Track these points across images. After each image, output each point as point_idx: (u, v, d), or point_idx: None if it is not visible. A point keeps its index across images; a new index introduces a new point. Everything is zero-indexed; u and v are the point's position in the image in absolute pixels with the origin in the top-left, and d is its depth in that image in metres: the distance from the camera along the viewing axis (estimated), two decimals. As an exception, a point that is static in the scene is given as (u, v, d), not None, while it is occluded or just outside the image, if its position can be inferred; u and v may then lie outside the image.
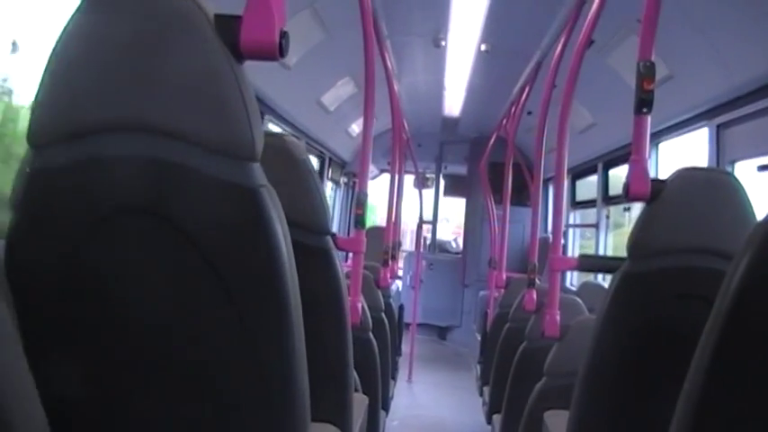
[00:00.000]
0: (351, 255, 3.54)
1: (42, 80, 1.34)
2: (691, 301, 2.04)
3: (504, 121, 7.30)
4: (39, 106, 1.34)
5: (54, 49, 1.34)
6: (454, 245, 11.71)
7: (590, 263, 3.73)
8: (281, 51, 1.38)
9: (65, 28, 1.34)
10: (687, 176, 2.15)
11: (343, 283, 2.26)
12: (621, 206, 6.45)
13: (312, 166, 2.22)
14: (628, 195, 2.22)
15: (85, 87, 1.32)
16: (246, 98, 1.33)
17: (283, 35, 1.37)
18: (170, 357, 1.39)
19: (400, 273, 9.30)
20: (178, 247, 1.33)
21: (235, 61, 1.33)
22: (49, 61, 1.34)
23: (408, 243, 13.14)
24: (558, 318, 3.37)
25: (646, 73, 2.35)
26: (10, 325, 0.63)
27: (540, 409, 3.07)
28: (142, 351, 1.39)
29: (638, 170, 2.27)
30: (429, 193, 10.86)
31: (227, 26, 1.33)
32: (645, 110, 2.38)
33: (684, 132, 4.57)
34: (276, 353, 1.38)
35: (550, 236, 8.09)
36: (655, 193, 2.14)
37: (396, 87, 5.19)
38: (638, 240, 2.14)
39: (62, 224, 1.35)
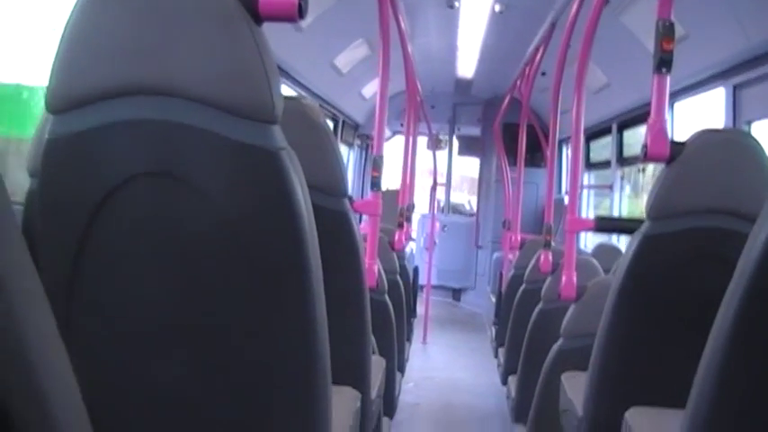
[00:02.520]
0: (366, 217, 3.53)
1: (59, 47, 1.33)
2: (710, 263, 2.04)
3: (518, 82, 7.26)
4: (56, 73, 1.33)
5: (70, 17, 1.33)
6: (468, 206, 11.69)
7: (607, 224, 3.72)
8: (301, 13, 1.37)
9: None
10: (706, 138, 2.14)
11: (361, 247, 2.26)
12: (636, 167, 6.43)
13: (329, 129, 2.21)
14: (646, 157, 2.21)
15: (102, 53, 1.32)
16: (266, 60, 1.32)
17: None
18: (187, 322, 1.40)
19: (414, 235, 9.30)
20: (197, 210, 1.33)
21: (253, 23, 1.33)
22: (65, 28, 1.33)
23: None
24: (574, 279, 3.36)
25: (665, 32, 2.32)
26: (43, 300, 0.63)
27: (556, 370, 3.07)
28: (159, 315, 1.40)
29: (658, 131, 2.25)
30: (442, 155, 10.83)
31: None
32: (664, 69, 2.35)
33: (701, 92, 4.54)
34: (297, 317, 1.39)
35: (565, 197, 8.12)
36: (674, 155, 2.13)
37: (409, 49, 5.16)
38: (657, 202, 2.13)
39: (80, 188, 1.35)
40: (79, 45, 1.33)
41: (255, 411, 1.41)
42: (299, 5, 1.35)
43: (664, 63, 2.34)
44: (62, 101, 1.33)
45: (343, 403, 2.14)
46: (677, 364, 2.02)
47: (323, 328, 1.43)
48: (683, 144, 2.14)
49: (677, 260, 2.10)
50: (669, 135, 2.27)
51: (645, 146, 2.21)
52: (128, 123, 1.32)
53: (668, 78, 2.38)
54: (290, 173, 1.33)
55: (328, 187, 2.13)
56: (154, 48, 1.30)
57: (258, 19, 1.33)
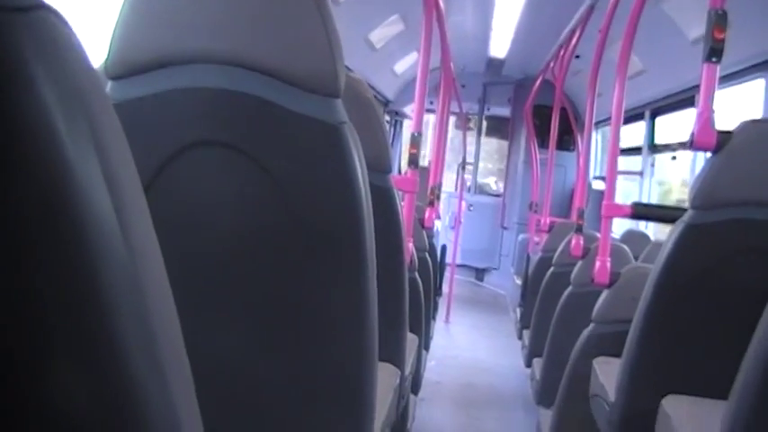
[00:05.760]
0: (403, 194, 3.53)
1: (120, 14, 1.34)
2: (755, 255, 2.04)
3: (552, 64, 7.21)
4: (117, 39, 1.34)
5: None
6: (494, 187, 11.66)
7: (645, 211, 3.69)
8: None
9: None
10: (753, 128, 2.13)
11: (403, 224, 2.27)
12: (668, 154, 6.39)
13: (377, 105, 2.21)
14: (692, 145, 2.20)
15: (164, 20, 1.32)
16: (330, 33, 1.32)
17: None
18: (243, 293, 1.41)
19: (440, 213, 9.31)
20: (255, 181, 1.33)
21: None
22: None
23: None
24: (608, 265, 3.35)
25: (717, 21, 2.31)
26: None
27: (587, 354, 3.08)
28: (218, 284, 1.41)
29: (705, 121, 2.24)
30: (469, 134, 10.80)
31: None
32: (714, 59, 2.34)
33: (740, 83, 4.50)
34: (351, 292, 1.40)
35: (592, 182, 8.08)
36: (720, 145, 2.12)
37: (446, 27, 5.14)
38: (701, 191, 2.12)
39: (141, 155, 1.35)
40: (140, 12, 1.33)
41: (306, 385, 1.42)
42: None
43: (714, 52, 2.34)
44: (121, 67, 1.34)
45: (384, 380, 2.15)
46: (715, 355, 2.02)
47: (374, 305, 1.44)
48: (729, 134, 2.13)
49: (720, 251, 2.10)
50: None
51: (692, 134, 2.20)
52: (187, 91, 1.33)
53: (718, 68, 2.37)
54: (351, 148, 1.34)
55: (375, 163, 2.12)
56: (216, 17, 1.31)
57: None
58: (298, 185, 1.33)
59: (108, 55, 1.35)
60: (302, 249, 1.35)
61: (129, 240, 0.55)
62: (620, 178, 7.48)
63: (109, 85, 1.35)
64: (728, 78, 4.49)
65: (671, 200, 6.67)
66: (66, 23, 0.53)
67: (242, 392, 1.44)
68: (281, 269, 1.38)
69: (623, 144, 7.39)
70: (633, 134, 6.94)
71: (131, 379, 0.55)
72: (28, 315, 0.49)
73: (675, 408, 2.11)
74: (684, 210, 2.23)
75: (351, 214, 1.35)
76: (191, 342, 1.43)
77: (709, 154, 2.21)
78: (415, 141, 3.46)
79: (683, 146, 5.37)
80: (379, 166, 2.16)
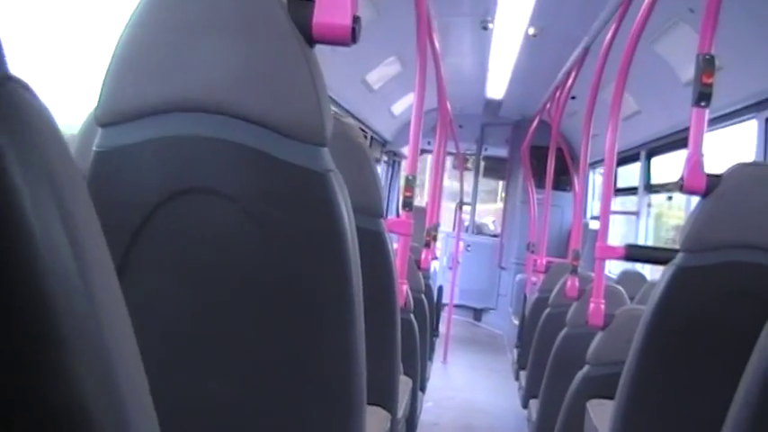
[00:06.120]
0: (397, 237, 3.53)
1: (111, 62, 1.35)
2: (745, 299, 2.04)
3: (548, 105, 7.26)
4: (107, 86, 1.35)
5: (123, 31, 1.35)
6: (492, 227, 11.67)
7: (638, 253, 3.69)
8: (354, 37, 1.38)
9: (134, 10, 1.35)
10: (743, 171, 2.14)
11: (395, 268, 2.27)
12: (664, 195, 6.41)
13: (368, 149, 2.23)
14: (682, 189, 2.22)
15: (155, 68, 1.33)
16: (317, 82, 1.33)
17: (356, 20, 1.37)
18: (229, 338, 1.41)
19: (437, 253, 9.31)
20: (242, 229, 1.34)
21: (306, 45, 1.34)
22: (118, 43, 1.35)
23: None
24: (602, 306, 3.36)
25: (705, 66, 2.34)
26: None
27: (582, 396, 3.07)
28: (200, 331, 1.41)
29: (694, 164, 2.26)
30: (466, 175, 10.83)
31: (300, 9, 1.34)
32: (703, 103, 2.37)
33: (732, 124, 4.52)
34: (338, 337, 1.40)
35: (589, 222, 8.09)
36: (710, 188, 2.13)
37: (442, 69, 5.18)
38: (692, 234, 2.13)
39: (126, 202, 1.36)
40: (130, 60, 1.34)
41: (292, 429, 1.42)
42: (353, 30, 1.37)
43: (703, 97, 2.36)
44: (111, 114, 1.35)
45: (374, 424, 2.15)
46: (708, 399, 2.01)
47: (361, 349, 1.44)
48: (719, 177, 2.14)
49: (711, 294, 2.10)
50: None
51: (681, 178, 2.22)
52: (176, 138, 1.34)
53: (706, 112, 2.39)
54: (337, 195, 1.34)
55: (366, 207, 2.14)
56: (205, 66, 1.32)
57: (311, 42, 1.35)
58: (284, 233, 1.34)
59: (98, 102, 1.36)
60: (289, 296, 1.36)
61: (97, 312, 0.56)
62: (621, 216, 7.53)
63: (99, 133, 1.36)
64: (721, 119, 4.52)
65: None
66: (34, 96, 0.54)
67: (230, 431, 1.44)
68: (267, 316, 1.38)
69: (622, 183, 7.44)
70: (633, 174, 6.97)
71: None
72: None
73: None
74: (676, 251, 2.24)
75: (337, 261, 1.36)
76: (182, 382, 1.44)
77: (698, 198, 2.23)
78: (410, 184, 3.47)
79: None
80: (370, 210, 2.16)
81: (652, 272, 5.67)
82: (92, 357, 0.55)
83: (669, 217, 6.77)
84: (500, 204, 11.33)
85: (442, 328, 7.52)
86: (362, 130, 7.85)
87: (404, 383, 2.69)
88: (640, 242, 6.54)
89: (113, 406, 0.57)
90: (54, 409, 0.53)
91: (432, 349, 5.75)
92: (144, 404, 0.65)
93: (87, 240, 0.57)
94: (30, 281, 0.51)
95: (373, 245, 2.17)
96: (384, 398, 2.29)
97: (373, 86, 6.83)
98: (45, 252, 0.51)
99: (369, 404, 1.57)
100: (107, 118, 1.35)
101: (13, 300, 0.50)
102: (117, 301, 0.63)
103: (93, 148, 1.35)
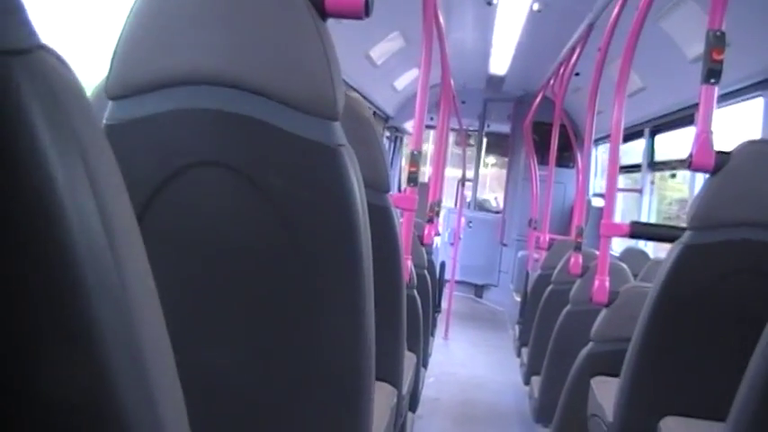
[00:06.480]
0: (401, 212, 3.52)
1: (122, 34, 1.34)
2: (753, 276, 2.04)
3: (551, 81, 7.23)
4: (117, 59, 1.34)
5: (134, 4, 1.34)
6: (494, 203, 11.66)
7: (643, 230, 3.68)
8: (367, 10, 1.37)
9: None
10: (752, 149, 2.13)
11: (401, 243, 2.26)
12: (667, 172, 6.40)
13: (375, 124, 2.21)
14: (691, 166, 2.21)
15: (165, 41, 1.33)
16: (330, 57, 1.32)
17: None
18: (239, 311, 1.40)
19: (439, 229, 9.32)
20: (252, 202, 1.34)
21: (319, 18, 1.33)
22: (128, 16, 1.34)
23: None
24: (607, 284, 3.35)
25: (715, 43, 2.32)
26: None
27: (585, 373, 3.07)
28: (216, 301, 1.41)
29: (703, 141, 2.25)
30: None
31: None
32: (713, 80, 2.35)
33: (739, 101, 4.50)
34: (348, 311, 1.39)
35: (591, 199, 8.08)
36: (719, 166, 2.12)
37: (445, 44, 5.15)
38: (700, 212, 2.12)
39: (136, 175, 1.36)
40: (141, 33, 1.34)
41: (302, 403, 1.42)
42: (366, 3, 1.36)
43: (713, 73, 2.34)
44: (122, 87, 1.34)
45: (381, 399, 2.15)
46: (713, 376, 2.02)
47: (371, 325, 1.44)
48: (728, 154, 2.13)
49: (718, 271, 2.10)
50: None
51: (690, 155, 2.20)
52: (186, 112, 1.33)
53: (716, 89, 2.38)
54: (349, 170, 1.34)
55: (373, 182, 2.12)
56: (217, 39, 1.31)
57: (324, 15, 1.34)
58: (295, 206, 1.34)
59: (108, 75, 1.35)
60: (300, 268, 1.35)
61: (123, 274, 0.56)
62: (621, 193, 7.52)
63: (109, 106, 1.36)
64: (728, 97, 4.50)
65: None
66: (65, 64, 0.54)
67: (238, 408, 1.44)
68: (278, 288, 1.38)
69: (625, 161, 7.42)
70: (636, 151, 6.96)
71: (120, 403, 0.55)
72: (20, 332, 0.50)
73: (673, 430, 2.10)
74: (682, 229, 2.23)
75: (348, 235, 1.35)
76: (190, 359, 1.43)
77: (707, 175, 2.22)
78: (415, 160, 3.46)
79: (682, 164, 5.37)
80: (377, 185, 2.16)
81: (655, 250, 5.67)
82: (121, 339, 0.55)
83: (669, 190, 6.75)
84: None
85: (443, 305, 7.54)
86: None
87: (408, 359, 2.69)
88: (643, 220, 6.52)
89: (142, 386, 0.57)
90: (79, 383, 0.53)
91: (434, 325, 5.76)
92: (173, 385, 0.65)
93: (115, 209, 0.57)
94: (60, 250, 0.51)
95: (381, 220, 2.16)
96: (390, 373, 2.29)
97: (376, 62, 6.80)
98: (74, 220, 0.52)
99: (376, 380, 1.57)
100: (117, 90, 1.35)
101: (40, 267, 0.51)
102: (146, 279, 0.63)
103: (104, 122, 1.35)
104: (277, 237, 1.34)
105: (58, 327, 0.51)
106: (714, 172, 2.14)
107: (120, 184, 0.60)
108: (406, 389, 2.50)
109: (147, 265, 0.63)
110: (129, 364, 0.56)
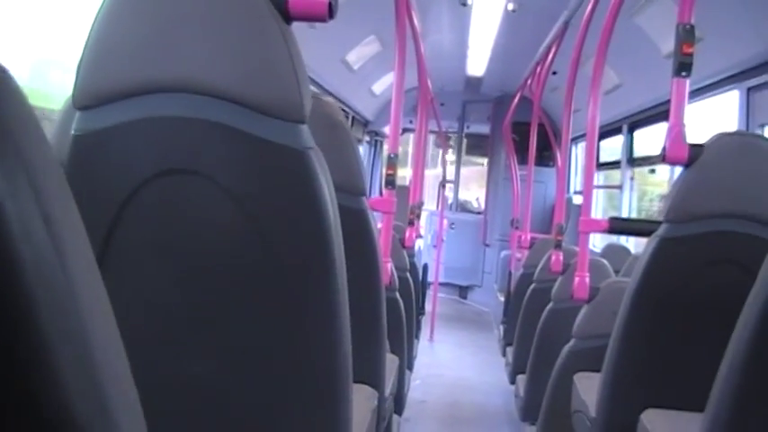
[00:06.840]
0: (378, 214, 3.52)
1: (87, 43, 1.34)
2: (728, 267, 2.05)
3: (529, 81, 7.25)
4: (84, 69, 1.34)
5: (98, 13, 1.34)
6: (476, 204, 11.68)
7: (621, 225, 3.70)
8: (331, 13, 1.37)
9: None
10: (725, 141, 2.14)
11: (378, 246, 2.26)
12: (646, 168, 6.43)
13: (349, 128, 2.22)
14: (665, 159, 2.22)
15: (130, 50, 1.32)
16: (295, 60, 1.32)
17: None
18: (212, 319, 1.40)
19: (422, 231, 9.33)
20: (222, 208, 1.33)
21: (283, 22, 1.33)
22: (93, 25, 1.34)
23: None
24: (587, 280, 3.36)
25: (685, 36, 2.33)
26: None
27: (568, 370, 3.08)
28: (184, 312, 1.41)
29: (676, 135, 2.26)
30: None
31: None
32: (684, 73, 2.36)
33: (714, 95, 4.53)
34: (322, 315, 1.39)
35: (572, 196, 8.11)
36: (692, 158, 2.13)
37: (421, 47, 5.16)
38: (675, 205, 2.13)
39: (106, 185, 1.35)
40: (106, 43, 1.33)
41: (279, 406, 1.42)
42: (330, 5, 1.36)
43: (683, 67, 2.36)
44: (88, 97, 1.34)
45: (361, 402, 2.15)
46: (693, 368, 2.03)
47: (346, 327, 1.44)
48: (701, 147, 2.14)
49: (695, 263, 2.11)
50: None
51: (663, 149, 2.21)
52: (154, 120, 1.32)
53: (687, 82, 2.39)
54: (317, 173, 1.33)
55: (348, 186, 2.13)
56: (182, 45, 1.31)
57: (288, 18, 1.34)
58: (265, 211, 1.33)
59: (75, 86, 1.35)
60: (272, 272, 1.35)
61: (72, 282, 0.55)
62: (603, 190, 7.54)
63: (76, 116, 1.35)
64: (703, 91, 4.52)
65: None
66: (10, 79, 0.53)
67: (214, 414, 1.43)
68: (251, 292, 1.37)
69: (605, 157, 7.45)
70: (615, 148, 6.99)
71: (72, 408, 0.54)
72: None
73: (654, 422, 2.11)
74: (659, 223, 2.24)
75: (319, 237, 1.35)
76: (165, 366, 1.43)
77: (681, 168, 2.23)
78: (392, 163, 3.47)
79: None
80: (352, 188, 2.15)
81: (637, 245, 5.69)
82: (72, 347, 0.55)
83: (650, 185, 6.78)
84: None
85: (427, 307, 7.54)
86: (344, 111, 7.82)
87: (391, 361, 2.69)
88: (624, 216, 6.55)
89: (95, 393, 0.57)
90: (35, 399, 0.52)
91: (418, 327, 5.76)
92: (127, 391, 0.64)
93: (65, 230, 0.56)
94: (8, 274, 0.50)
95: (356, 223, 2.16)
96: (371, 376, 2.29)
97: (353, 66, 6.80)
98: (23, 243, 0.51)
99: (355, 382, 1.57)
100: (84, 101, 1.34)
101: None
102: (98, 289, 0.62)
103: (72, 132, 1.34)
104: (249, 241, 1.34)
105: (3, 334, 0.51)
106: (688, 165, 2.15)
107: (71, 205, 0.59)
108: (388, 391, 2.50)
109: (97, 270, 0.62)
110: (81, 369, 0.55)
